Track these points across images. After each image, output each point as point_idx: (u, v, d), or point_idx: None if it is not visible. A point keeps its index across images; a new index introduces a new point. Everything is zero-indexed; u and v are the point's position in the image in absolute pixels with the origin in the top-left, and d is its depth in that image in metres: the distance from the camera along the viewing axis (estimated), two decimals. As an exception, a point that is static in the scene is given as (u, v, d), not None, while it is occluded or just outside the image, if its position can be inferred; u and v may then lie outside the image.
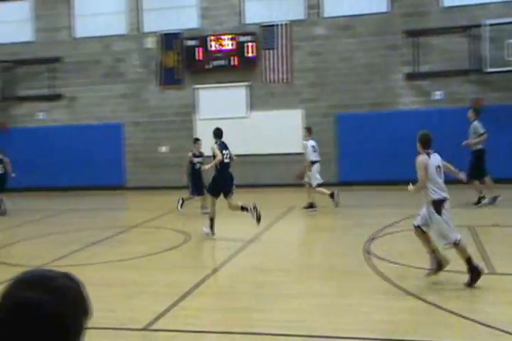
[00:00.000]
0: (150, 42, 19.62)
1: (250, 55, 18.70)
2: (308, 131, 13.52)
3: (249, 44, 18.66)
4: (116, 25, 19.94)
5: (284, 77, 18.74)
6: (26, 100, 20.44)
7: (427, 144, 6.96)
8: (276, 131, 18.67)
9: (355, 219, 12.16)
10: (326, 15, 18.71)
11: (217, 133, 10.68)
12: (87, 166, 19.69)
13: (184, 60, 19.22)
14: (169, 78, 19.44)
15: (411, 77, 18.05)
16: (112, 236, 11.39)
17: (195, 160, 13.34)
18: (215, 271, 8.24)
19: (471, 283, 6.72)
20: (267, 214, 13.49)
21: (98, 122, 19.96)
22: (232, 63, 18.79)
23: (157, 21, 19.72)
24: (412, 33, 17.86)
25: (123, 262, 8.93)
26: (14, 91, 20.47)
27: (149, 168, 19.81)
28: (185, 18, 19.52)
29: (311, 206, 13.29)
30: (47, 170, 19.87)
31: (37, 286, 1.34)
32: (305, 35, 18.66)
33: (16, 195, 18.96)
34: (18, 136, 20.28)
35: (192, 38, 19.05)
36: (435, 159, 6.95)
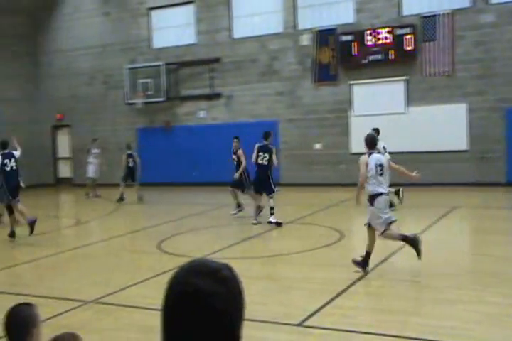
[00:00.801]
0: (305, 40, 19.74)
1: (408, 48, 18.07)
2: (377, 132, 13.06)
3: (408, 36, 18.04)
4: (273, 24, 20.31)
5: (446, 69, 17.87)
6: (188, 99, 21.53)
7: (371, 145, 8.02)
8: (436, 127, 17.86)
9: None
10: (494, 1, 17.52)
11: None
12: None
13: (339, 56, 19.09)
14: (324, 74, 19.42)
15: None
16: (267, 231, 11.60)
17: (232, 157, 13.60)
18: (370, 270, 8.05)
19: (418, 255, 7.73)
20: (426, 214, 12.95)
21: (254, 119, 20.49)
22: (389, 57, 18.30)
23: (312, 18, 19.79)
24: None
25: (276, 257, 9.04)
26: (177, 92, 21.67)
27: (303, 164, 19.94)
28: (341, 14, 19.37)
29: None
30: (207, 166, 20.79)
31: (206, 275, 1.36)
32: (470, 24, 17.63)
33: (185, 188, 20.05)
34: (179, 133, 21.45)
35: (347, 33, 18.86)
36: (377, 158, 7.93)
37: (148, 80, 21.35)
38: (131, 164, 17.15)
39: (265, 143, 12.41)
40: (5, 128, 22.58)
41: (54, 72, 23.94)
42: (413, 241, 7.76)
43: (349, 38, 18.83)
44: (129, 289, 7.74)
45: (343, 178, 18.85)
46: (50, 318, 6.34)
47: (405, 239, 7.81)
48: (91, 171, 18.91)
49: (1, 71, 22.42)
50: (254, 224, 12.28)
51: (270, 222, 12.09)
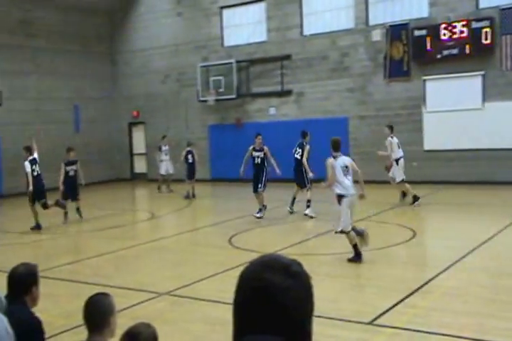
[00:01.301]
0: (377, 35, 19.38)
1: (486, 41, 17.41)
2: (391, 129, 14.25)
3: (485, 30, 17.38)
4: (344, 20, 20.06)
5: (525, 64, 17.09)
6: (259, 96, 21.61)
7: (335, 148, 8.73)
8: (515, 123, 17.13)
9: None
10: None
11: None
12: (310, 159, 20.15)
13: (412, 51, 18.63)
14: (396, 70, 19.01)
15: None
16: (337, 228, 11.45)
17: (255, 154, 13.72)
18: (443, 270, 7.82)
19: (351, 260, 8.44)
20: (502, 213, 12.46)
21: (324, 116, 20.33)
22: (464, 52, 17.70)
23: (384, 13, 19.40)
24: None
25: (347, 255, 8.94)
26: (248, 89, 21.79)
27: (374, 161, 19.62)
28: (414, 8, 18.88)
29: (414, 199, 13.82)
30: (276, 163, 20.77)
31: (278, 271, 1.36)
32: (551, 16, 16.79)
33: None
34: (250, 130, 21.55)
35: (421, 28, 18.36)
36: (342, 161, 8.61)
37: (220, 78, 21.57)
38: (190, 160, 17.64)
39: (302, 140, 13.82)
40: (84, 126, 23.42)
41: (130, 71, 24.58)
42: (357, 254, 8.43)
43: (423, 32, 18.33)
44: (201, 282, 7.86)
45: (416, 176, 18.43)
46: (125, 309, 6.52)
47: (355, 247, 8.45)
48: (163, 169, 19.27)
49: (80, 71, 23.22)
50: (290, 212, 13.53)
51: (305, 214, 13.01)
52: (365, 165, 19.68)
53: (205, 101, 21.89)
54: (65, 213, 13.63)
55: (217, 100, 21.66)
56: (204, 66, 21.99)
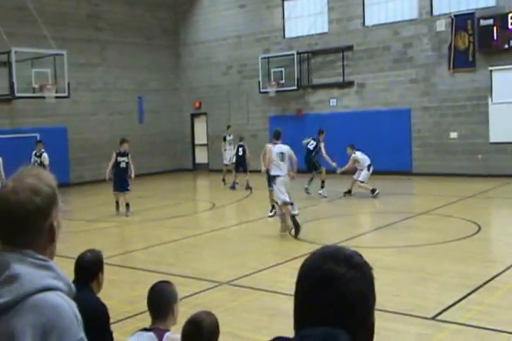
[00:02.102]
0: (441, 25, 18.80)
1: (557, 30, 16.60)
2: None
3: (557, 18, 16.56)
4: (407, 10, 19.56)
5: None
6: (320, 88, 21.41)
7: (276, 137, 10.65)
8: None
9: None
10: None
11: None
12: (372, 151, 19.86)
13: (478, 41, 17.97)
14: (461, 61, 18.40)
15: None
16: (399, 221, 11.26)
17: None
18: (509, 266, 7.53)
19: (296, 235, 9.92)
20: None
21: (386, 108, 19.95)
22: (534, 41, 16.94)
23: (449, 2, 18.79)
24: None
25: (409, 248, 8.75)
26: (309, 80, 21.61)
27: (437, 154, 19.13)
28: (481, -4, 18.21)
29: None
30: (337, 155, 20.56)
31: (341, 261, 1.35)
32: None
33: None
34: (310, 122, 21.39)
35: (487, 17, 17.68)
36: (279, 148, 10.37)
37: (281, 69, 21.48)
38: (240, 153, 17.88)
39: (318, 137, 15.43)
40: (148, 117, 23.84)
41: (193, 63, 24.81)
42: (296, 224, 9.97)
43: (489, 22, 17.64)
44: (261, 273, 7.86)
45: (481, 169, 17.85)
46: (187, 297, 6.59)
47: (293, 218, 9.98)
48: (227, 158, 19.29)
49: (146, 63, 23.61)
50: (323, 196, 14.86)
51: (320, 194, 14.79)
52: (428, 158, 19.23)
53: (266, 92, 21.86)
54: (117, 203, 13.58)
55: (278, 91, 21.60)
56: (265, 57, 21.94)
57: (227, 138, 19.52)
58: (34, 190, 1.64)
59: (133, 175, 13.43)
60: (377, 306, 1.39)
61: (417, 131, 19.44)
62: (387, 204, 13.62)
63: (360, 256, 1.39)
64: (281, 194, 10.10)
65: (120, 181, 13.35)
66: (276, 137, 10.72)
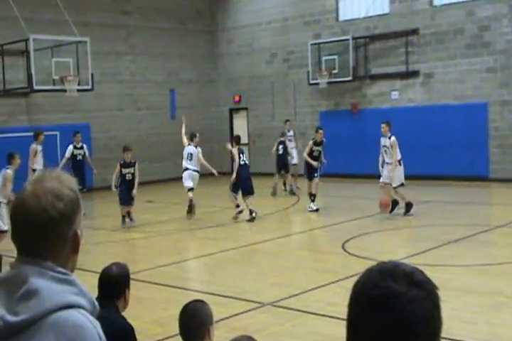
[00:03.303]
0: (525, 3, 18.43)
1: None
2: (389, 126, 13.83)
3: None
4: (484, -14, 19.28)
5: None
6: (379, 78, 21.25)
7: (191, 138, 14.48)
8: None
9: None
10: None
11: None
12: (441, 152, 19.60)
13: None
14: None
15: None
16: (473, 235, 11.07)
17: (315, 148, 14.99)
18: None
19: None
20: None
21: (457, 102, 19.65)
22: None
23: (535, -24, 18.42)
24: None
25: (486, 267, 8.60)
26: (367, 70, 21.48)
27: (519, 156, 18.72)
28: None
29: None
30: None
31: (400, 278, 1.34)
32: None
33: (373, 181, 19.87)
34: (368, 117, 21.24)
35: None
36: (190, 148, 14.35)
37: (334, 57, 21.41)
38: (280, 151, 17.72)
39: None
40: (181, 112, 24.06)
41: (233, 50, 24.97)
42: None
43: None
44: (310, 293, 7.85)
45: None
46: (223, 319, 6.63)
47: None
48: (293, 158, 18.71)
49: (177, 51, 23.86)
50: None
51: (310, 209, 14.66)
52: (508, 161, 18.82)
53: (316, 84, 21.82)
54: (123, 216, 13.49)
55: (330, 83, 21.53)
56: (316, 44, 21.91)
57: (288, 133, 19.14)
58: (56, 194, 1.68)
59: (135, 191, 13.38)
60: (446, 334, 1.39)
61: (495, 129, 19.09)
62: (458, 215, 13.40)
63: (422, 272, 1.39)
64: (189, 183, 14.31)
65: (127, 195, 13.37)
66: (191, 138, 14.63)
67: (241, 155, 14.26)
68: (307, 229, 12.61)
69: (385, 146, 13.83)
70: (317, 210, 14.46)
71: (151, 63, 23.03)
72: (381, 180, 13.75)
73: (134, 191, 13.34)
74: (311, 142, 15.30)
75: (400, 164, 13.72)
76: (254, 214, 13.69)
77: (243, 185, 14.05)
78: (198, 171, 14.56)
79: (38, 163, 14.73)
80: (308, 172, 15.19)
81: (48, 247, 1.68)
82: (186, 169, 14.38)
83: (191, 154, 14.35)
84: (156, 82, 23.20)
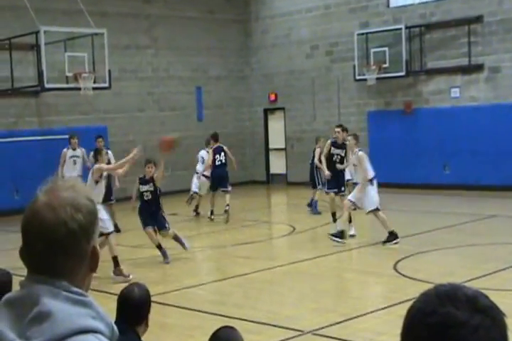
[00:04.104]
0: None
1: None
2: (356, 139, 13.14)
3: None
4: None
5: None
6: (436, 73, 21.09)
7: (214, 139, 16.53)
8: None
9: None
10: None
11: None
12: (509, 159, 19.35)
13: None
14: None
15: None
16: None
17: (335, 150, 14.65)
18: None
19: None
20: None
21: (529, 100, 19.46)
22: None
23: None
24: None
25: None
26: (422, 63, 21.34)
27: None
28: None
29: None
30: (462, 163, 20.19)
31: (462, 303, 1.34)
32: None
33: (432, 192, 19.73)
34: (424, 118, 21.10)
35: None
36: (202, 153, 16.78)
37: (385, 49, 21.32)
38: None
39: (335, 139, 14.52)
40: (208, 113, 24.16)
41: (268, 43, 25.02)
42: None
43: None
44: (355, 320, 7.82)
45: None
46: (259, 349, 6.64)
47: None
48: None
49: (206, 43, 23.94)
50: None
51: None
52: None
53: (363, 80, 21.77)
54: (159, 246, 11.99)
55: (379, 78, 21.46)
56: (363, 34, 21.87)
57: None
58: (74, 205, 1.71)
59: (163, 209, 12.23)
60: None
61: None
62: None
63: (487, 297, 1.38)
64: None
65: (151, 217, 11.99)
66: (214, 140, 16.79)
67: (217, 155, 16.33)
68: (353, 246, 12.54)
69: (354, 165, 13.54)
70: (341, 235, 12.58)
71: (176, 58, 23.20)
72: (349, 197, 12.98)
73: (162, 209, 12.16)
74: (329, 142, 14.48)
75: (371, 184, 12.84)
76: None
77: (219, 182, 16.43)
78: (206, 176, 16.75)
79: (67, 170, 15.33)
80: (325, 182, 14.87)
81: (65, 264, 1.70)
82: (197, 172, 16.98)
83: (203, 158, 16.91)
84: (181, 78, 23.36)
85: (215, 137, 16.91)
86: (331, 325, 7.62)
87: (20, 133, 18.88)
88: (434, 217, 15.67)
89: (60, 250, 1.69)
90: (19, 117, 19.41)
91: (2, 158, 18.26)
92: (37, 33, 17.11)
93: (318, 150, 15.93)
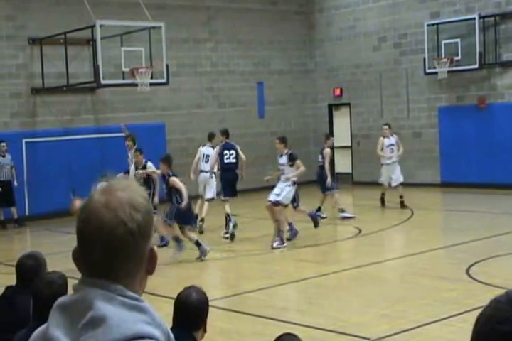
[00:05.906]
0: None
1: None
2: (284, 142, 13.94)
3: None
4: None
5: None
6: (511, 66, 20.75)
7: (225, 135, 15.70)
8: None
9: None
10: None
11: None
12: None
13: None
14: None
15: None
16: None
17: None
18: None
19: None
20: None
21: None
22: None
23: None
24: None
25: None
26: (498, 55, 20.97)
27: None
28: None
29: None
30: (491, 162, 19.83)
31: None
32: None
33: (508, 192, 19.44)
34: (498, 114, 20.75)
35: None
36: (207, 150, 15.99)
37: (457, 40, 21.06)
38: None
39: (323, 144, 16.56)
40: (270, 109, 24.18)
41: (332, 35, 24.94)
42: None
43: None
44: (426, 328, 7.76)
45: None
46: (323, 357, 6.61)
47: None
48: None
49: (268, 36, 24.00)
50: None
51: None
52: None
53: (434, 73, 21.52)
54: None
55: (451, 72, 21.19)
56: (433, 24, 21.63)
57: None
58: (132, 205, 1.71)
59: (184, 204, 12.27)
60: None
61: None
62: None
63: None
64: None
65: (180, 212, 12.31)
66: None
67: (226, 151, 15.26)
68: (423, 249, 12.40)
69: (281, 165, 13.91)
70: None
71: (236, 51, 23.31)
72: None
73: (183, 203, 12.22)
74: (328, 150, 16.39)
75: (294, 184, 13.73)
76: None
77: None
78: (213, 172, 15.76)
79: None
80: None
81: (122, 267, 1.71)
82: (201, 171, 15.81)
83: (207, 156, 15.76)
84: (241, 73, 23.45)
85: (225, 133, 15.66)
86: (400, 332, 7.57)
87: (75, 131, 19.14)
88: (509, 218, 15.40)
89: (118, 252, 1.69)
90: (75, 115, 19.73)
91: (57, 156, 18.56)
92: (93, 27, 17.26)
93: (327, 151, 16.40)
